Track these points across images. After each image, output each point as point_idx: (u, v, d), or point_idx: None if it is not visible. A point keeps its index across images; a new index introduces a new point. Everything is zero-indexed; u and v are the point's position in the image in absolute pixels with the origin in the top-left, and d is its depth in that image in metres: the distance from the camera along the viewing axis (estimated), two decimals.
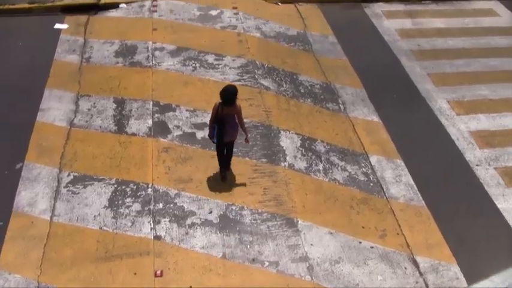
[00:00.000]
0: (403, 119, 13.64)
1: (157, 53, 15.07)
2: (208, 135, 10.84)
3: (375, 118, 13.53)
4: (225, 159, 11.21)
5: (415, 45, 16.66)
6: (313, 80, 14.59)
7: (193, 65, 14.59)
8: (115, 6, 17.43)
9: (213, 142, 10.86)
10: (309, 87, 14.27)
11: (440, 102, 14.35)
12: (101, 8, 17.35)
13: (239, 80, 13.99)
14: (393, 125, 13.35)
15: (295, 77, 14.61)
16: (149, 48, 15.26)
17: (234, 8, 17.28)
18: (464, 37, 17.36)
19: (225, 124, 10.48)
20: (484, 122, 13.82)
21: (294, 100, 13.69)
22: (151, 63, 14.63)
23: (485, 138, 13.26)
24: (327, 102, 13.82)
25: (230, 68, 14.49)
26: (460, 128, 13.52)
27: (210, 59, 14.84)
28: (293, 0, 18.35)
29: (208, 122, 11.18)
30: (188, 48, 15.25)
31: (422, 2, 19.15)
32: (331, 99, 13.96)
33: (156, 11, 17.01)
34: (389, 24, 17.67)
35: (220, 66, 14.57)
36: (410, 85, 14.93)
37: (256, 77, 14.21)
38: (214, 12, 17.06)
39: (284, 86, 14.14)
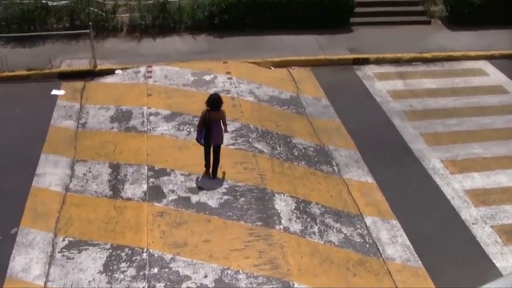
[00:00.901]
0: (397, 179, 13.68)
1: (152, 118, 15.21)
2: (196, 139, 12.56)
3: (369, 179, 13.57)
4: (213, 167, 12.80)
5: (407, 106, 16.85)
6: (306, 143, 14.69)
7: (188, 129, 14.70)
8: (111, 72, 17.74)
9: (201, 144, 12.54)
10: (303, 150, 14.36)
11: (433, 162, 14.42)
12: (97, 74, 17.68)
13: (233, 144, 14.08)
14: (388, 185, 13.38)
15: (288, 140, 14.71)
16: (144, 114, 15.42)
17: (228, 72, 17.53)
18: (455, 97, 17.59)
19: (212, 128, 12.19)
20: (478, 180, 13.86)
21: (288, 163, 13.75)
22: (146, 128, 14.75)
23: (481, 197, 13.27)
24: (321, 165, 13.88)
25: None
26: (455, 186, 13.55)
27: None
28: (285, 64, 18.66)
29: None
30: (182, 113, 15.40)
31: (413, 63, 19.48)
32: (325, 162, 14.03)
33: (151, 77, 17.26)
34: (381, 85, 17.93)
35: None
36: (403, 145, 15.04)
37: (250, 140, 14.31)
38: (208, 77, 17.30)
39: (278, 149, 14.23)
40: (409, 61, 19.55)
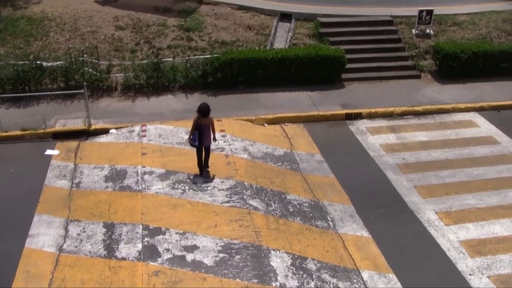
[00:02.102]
0: (392, 232, 13.70)
1: (146, 176, 15.26)
2: (190, 142, 14.95)
3: (365, 233, 13.57)
4: (204, 161, 15.26)
5: (400, 159, 16.98)
6: (301, 199, 14.74)
7: (183, 188, 14.74)
8: (105, 131, 17.85)
9: (194, 146, 14.89)
10: (298, 206, 14.39)
11: (428, 214, 14.48)
12: (92, 134, 17.78)
13: (228, 202, 14.10)
14: (383, 239, 13.39)
15: (283, 196, 14.76)
16: (139, 173, 15.46)
17: (222, 130, 17.67)
18: (447, 148, 17.76)
19: (203, 131, 14.69)
20: (473, 230, 13.92)
21: (283, 219, 13.77)
22: (140, 187, 14.78)
23: (476, 247, 13.31)
24: (316, 220, 13.90)
25: (219, 189, 14.65)
26: (450, 238, 13.58)
27: (199, 181, 15.01)
28: (279, 120, 18.83)
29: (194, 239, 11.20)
30: (177, 172, 15.46)
31: (405, 117, 19.70)
32: (320, 217, 14.05)
33: (145, 136, 17.37)
34: (374, 140, 18.09)
35: (209, 188, 14.72)
36: (397, 198, 15.10)
37: (245, 197, 14.34)
38: None
39: (273, 205, 14.26)
40: (401, 115, 19.78)
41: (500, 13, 26.94)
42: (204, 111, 14.64)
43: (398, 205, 14.84)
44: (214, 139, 15.12)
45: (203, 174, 15.25)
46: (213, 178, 15.15)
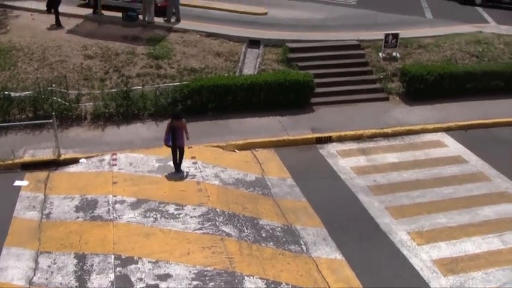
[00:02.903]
0: (365, 254, 13.77)
1: (117, 206, 15.12)
2: (164, 142, 16.55)
3: (338, 256, 13.61)
4: (179, 160, 16.81)
5: (371, 181, 17.12)
6: (274, 223, 14.74)
7: (154, 216, 14.64)
8: (75, 161, 17.67)
9: (168, 146, 16.52)
10: (270, 231, 14.39)
11: (400, 235, 14.59)
12: (61, 164, 17.56)
13: (200, 229, 14.04)
14: (356, 261, 13.44)
15: (256, 221, 14.75)
16: (110, 202, 15.31)
17: (193, 157, 17.64)
18: (417, 169, 17.96)
19: (176, 132, 16.38)
20: (445, 249, 14.09)
21: (256, 245, 13.74)
22: (112, 217, 14.63)
23: (449, 266, 13.46)
24: (289, 245, 13.91)
25: (191, 217, 14.58)
26: (423, 257, 13.70)
27: (171, 209, 14.93)
28: (249, 146, 18.87)
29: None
30: (148, 200, 15.36)
31: (374, 139, 19.90)
32: (293, 241, 14.07)
33: (115, 165, 17.24)
34: (345, 162, 18.22)
35: (181, 215, 14.64)
36: (370, 220, 15.21)
37: (218, 224, 14.30)
38: (172, 163, 17.36)
39: (246, 231, 14.23)
40: (371, 137, 19.97)
41: (463, 35, 27.51)
42: (176, 114, 16.73)
43: (371, 227, 14.93)
44: (187, 138, 16.73)
45: (177, 170, 16.81)
46: (186, 176, 16.69)
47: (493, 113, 22.31)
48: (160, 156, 17.63)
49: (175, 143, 16.51)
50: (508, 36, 28.52)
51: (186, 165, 17.15)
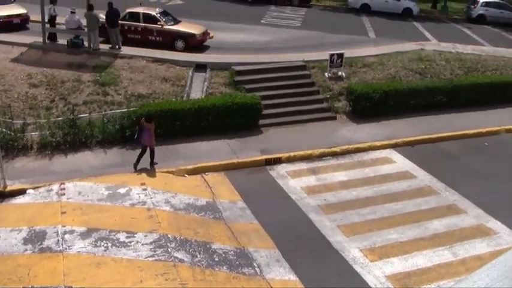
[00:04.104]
0: (319, 274, 13.83)
1: (67, 236, 14.80)
2: (135, 139, 18.61)
3: (292, 277, 13.63)
4: (150, 161, 18.66)
5: (322, 200, 17.25)
6: (226, 247, 14.68)
7: (105, 245, 14.40)
8: (22, 192, 17.23)
9: (135, 142, 18.60)
10: (223, 255, 14.32)
11: (353, 252, 14.71)
12: (7, 196, 17.10)
13: (152, 256, 13.87)
14: (310, 281, 13.49)
15: (208, 246, 14.65)
16: (59, 232, 14.98)
17: (142, 184, 17.46)
18: (366, 186, 18.20)
19: (143, 132, 18.25)
20: (397, 264, 14.27)
21: (210, 269, 13.65)
22: (61, 248, 14.32)
23: (402, 281, 13.64)
24: (242, 268, 13.86)
25: (142, 244, 14.40)
26: (376, 274, 13.83)
27: (122, 237, 14.72)
28: (199, 170, 18.79)
29: None
30: (99, 229, 15.10)
31: (323, 158, 20.09)
32: (247, 264, 14.02)
33: (64, 194, 16.91)
34: (295, 183, 18.32)
35: (132, 243, 14.45)
36: (322, 239, 15.29)
37: (170, 250, 14.15)
38: (122, 191, 17.14)
39: (198, 256, 14.12)
40: (320, 156, 20.16)
41: (406, 53, 28.20)
42: (146, 116, 18.63)
43: (323, 246, 15.02)
44: (153, 140, 18.50)
45: (135, 167, 18.46)
46: (154, 170, 18.44)
47: (438, 127, 22.86)
48: (109, 184, 17.41)
49: (142, 140, 18.35)
50: (449, 52, 29.37)
51: (136, 192, 16.99)
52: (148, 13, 28.10)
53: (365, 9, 42.61)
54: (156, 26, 27.65)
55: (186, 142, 20.42)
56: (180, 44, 27.65)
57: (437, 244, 15.26)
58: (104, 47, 26.05)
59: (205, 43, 28.54)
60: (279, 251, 14.64)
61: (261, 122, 22.08)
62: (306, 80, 24.99)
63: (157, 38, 27.68)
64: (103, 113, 21.05)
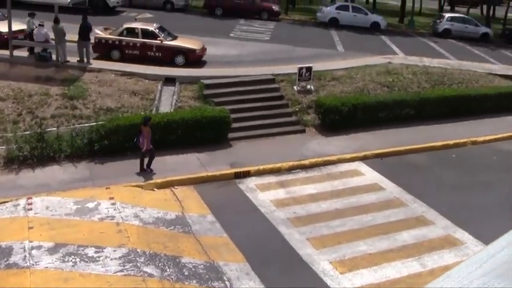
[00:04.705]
0: (289, 286, 13.80)
1: (34, 252, 14.56)
2: (134, 142, 18.99)
3: None
4: (148, 161, 19.21)
5: (291, 213, 17.28)
6: (196, 261, 14.60)
7: (73, 260, 14.21)
8: None
9: (134, 145, 19.01)
10: (193, 269, 14.23)
11: (323, 265, 14.75)
12: None
13: (121, 271, 13.73)
14: None
15: (178, 260, 14.55)
16: (26, 248, 14.73)
17: (111, 198, 17.30)
18: (335, 199, 18.30)
19: (140, 136, 18.83)
20: (367, 276, 14.35)
21: (179, 283, 13.54)
22: (28, 263, 14.08)
23: None
24: (212, 281, 13.79)
25: (111, 259, 14.24)
26: (346, 286, 13.91)
27: (90, 252, 14.54)
28: (168, 184, 18.69)
29: None
30: (67, 244, 14.90)
31: (292, 171, 20.15)
32: (217, 278, 13.96)
33: (31, 209, 16.65)
34: (264, 196, 18.33)
35: (101, 258, 14.28)
36: (292, 252, 15.30)
37: (139, 265, 14.02)
38: (91, 205, 16.95)
39: (168, 270, 14.02)
40: (289, 169, 20.21)
41: (374, 67, 28.54)
42: (144, 120, 19.09)
43: (293, 259, 15.03)
44: (147, 145, 18.89)
45: (142, 171, 19.18)
46: (153, 174, 19.11)
47: (406, 140, 23.14)
48: (78, 199, 17.22)
49: (139, 145, 18.88)
50: (416, 66, 29.80)
51: (104, 206, 16.83)
52: (147, 29, 28.03)
53: (334, 23, 43.10)
54: (156, 41, 27.54)
55: (155, 156, 20.29)
56: (180, 59, 27.62)
57: (406, 255, 15.39)
58: (73, 60, 25.85)
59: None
60: (248, 265, 14.60)
61: (230, 135, 22.09)
62: (275, 93, 25.11)
63: (157, 54, 27.57)
64: (71, 126, 20.86)
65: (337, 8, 44.70)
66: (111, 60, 27.09)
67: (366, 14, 44.46)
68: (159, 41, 27.53)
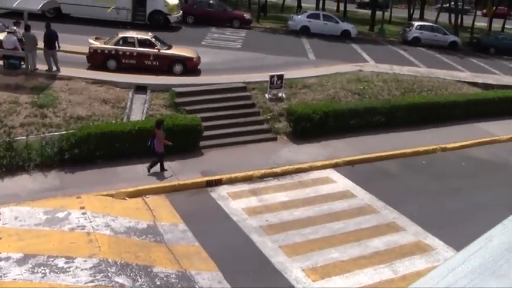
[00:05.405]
0: None
1: (2, 263, 14.30)
2: (147, 146, 19.53)
3: None
4: (152, 162, 19.76)
5: (264, 221, 17.27)
6: (168, 270, 14.49)
7: (43, 271, 14.00)
8: None
9: (148, 148, 19.57)
10: (165, 278, 14.12)
11: (295, 272, 14.75)
12: None
13: (92, 281, 13.57)
14: None
15: (149, 269, 14.43)
16: None
17: (82, 207, 17.11)
18: (307, 206, 18.33)
19: (153, 138, 19.48)
20: (339, 283, 14.40)
21: None
22: None
23: None
24: None
25: (82, 269, 14.06)
26: None
27: (60, 263, 14.34)
28: (140, 193, 18.54)
29: None
30: (36, 255, 14.67)
31: (264, 179, 20.16)
32: (189, 287, 13.86)
33: None
34: (236, 204, 18.29)
35: (71, 269, 14.09)
36: (264, 260, 15.28)
37: (110, 275, 13.87)
38: (61, 215, 16.73)
39: (139, 280, 13.89)
40: (261, 177, 20.21)
41: (345, 74, 28.75)
42: (156, 123, 19.80)
43: (266, 267, 15.01)
44: (162, 146, 19.54)
45: (162, 170, 19.89)
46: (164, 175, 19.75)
47: (377, 147, 23.31)
48: (47, 208, 17.00)
49: (152, 146, 19.44)
50: (386, 74, 30.08)
51: (75, 216, 16.64)
52: (144, 38, 27.93)
53: (305, 32, 43.36)
54: (153, 50, 27.43)
55: (127, 165, 20.17)
56: (178, 68, 27.66)
57: (378, 262, 15.48)
58: (42, 68, 25.57)
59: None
60: (221, 273, 14.54)
61: (202, 143, 22.02)
62: (246, 101, 25.14)
63: (154, 63, 27.47)
64: (41, 135, 20.61)
65: (308, 17, 44.99)
66: (107, 70, 26.91)
67: (337, 22, 44.81)
68: (157, 50, 27.45)
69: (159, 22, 39.44)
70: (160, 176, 19.59)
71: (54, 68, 25.63)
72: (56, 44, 25.68)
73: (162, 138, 19.44)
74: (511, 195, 19.34)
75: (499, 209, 17.10)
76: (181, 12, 42.37)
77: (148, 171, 19.67)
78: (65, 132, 20.61)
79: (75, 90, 24.03)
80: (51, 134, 20.77)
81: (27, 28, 25.02)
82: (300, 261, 15.27)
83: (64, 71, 25.63)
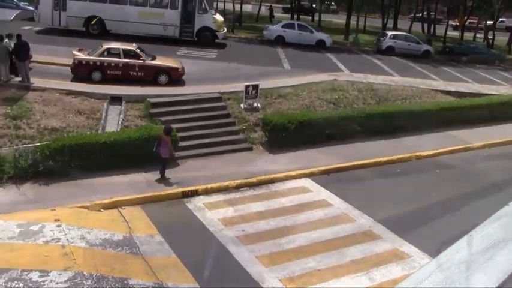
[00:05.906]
0: None
1: None
2: (154, 151, 19.79)
3: None
4: (160, 171, 20.17)
5: (240, 231, 17.22)
6: (144, 283, 14.37)
7: (17, 285, 13.77)
8: None
9: (155, 153, 19.81)
10: None
11: (272, 282, 14.72)
12: None
13: None
14: None
15: (125, 282, 14.28)
16: None
17: (56, 220, 16.91)
18: (284, 216, 18.32)
19: (160, 144, 19.81)
20: None
21: None
22: None
23: None
24: None
25: (57, 283, 13.89)
26: None
27: (35, 277, 14.13)
28: (115, 205, 18.35)
29: None
30: (9, 269, 14.44)
31: (240, 189, 20.12)
32: None
33: None
34: (212, 215, 18.21)
35: (46, 282, 13.91)
36: (241, 271, 15.21)
37: None
38: (35, 228, 16.51)
39: None
40: (237, 188, 20.17)
41: (320, 84, 28.90)
42: (165, 129, 20.22)
43: (243, 277, 14.94)
44: (170, 154, 20.28)
45: (162, 177, 20.28)
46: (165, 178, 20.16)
47: (352, 156, 23.43)
48: (21, 221, 16.77)
49: (158, 152, 19.71)
50: (361, 83, 30.31)
51: (49, 229, 16.45)
52: (129, 49, 27.89)
53: (280, 41, 43.53)
54: (138, 61, 27.40)
55: (102, 176, 19.98)
56: (163, 78, 27.66)
57: (355, 270, 15.50)
58: (15, 79, 25.35)
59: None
60: (198, 285, 14.44)
61: (178, 154, 21.89)
62: (221, 111, 25.14)
63: (140, 74, 27.42)
64: (14, 147, 20.37)
65: (283, 26, 45.23)
66: (92, 82, 26.75)
67: (312, 32, 45.08)
68: (142, 61, 27.42)
69: (207, 39, 39.54)
70: (136, 187, 19.45)
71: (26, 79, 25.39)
72: (28, 55, 25.53)
73: (169, 145, 19.86)
74: (485, 202, 19.51)
75: (474, 215, 17.26)
76: (225, 29, 42.63)
77: (161, 176, 20.17)
78: (39, 144, 20.37)
79: (49, 101, 23.84)
80: (24, 145, 20.52)
81: (0, 38, 24.81)
82: (277, 271, 15.24)
83: (38, 82, 25.40)
